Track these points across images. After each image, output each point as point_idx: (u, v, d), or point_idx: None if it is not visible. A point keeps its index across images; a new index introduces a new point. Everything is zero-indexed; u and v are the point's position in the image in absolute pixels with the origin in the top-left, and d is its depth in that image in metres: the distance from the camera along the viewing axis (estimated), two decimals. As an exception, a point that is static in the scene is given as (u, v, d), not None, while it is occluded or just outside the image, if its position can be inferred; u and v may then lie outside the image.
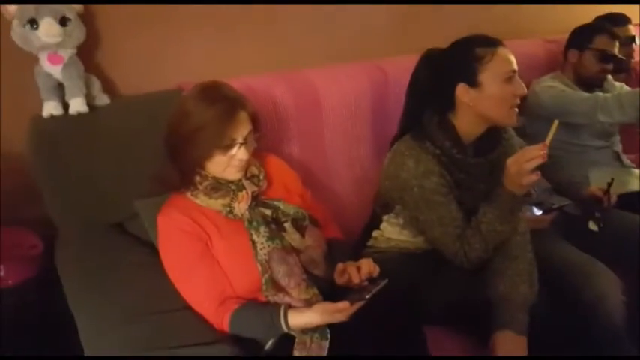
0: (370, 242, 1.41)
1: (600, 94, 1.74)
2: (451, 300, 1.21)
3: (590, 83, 1.89)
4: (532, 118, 1.94)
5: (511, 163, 1.11)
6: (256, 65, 1.64)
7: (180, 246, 1.06)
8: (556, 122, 1.10)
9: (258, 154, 1.20)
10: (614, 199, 1.57)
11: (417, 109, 1.29)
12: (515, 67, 1.20)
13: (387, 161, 1.30)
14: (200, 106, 1.05)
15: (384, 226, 1.37)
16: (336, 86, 1.62)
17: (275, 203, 1.16)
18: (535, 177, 1.08)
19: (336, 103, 1.61)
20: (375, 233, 1.39)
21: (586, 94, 1.78)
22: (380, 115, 1.68)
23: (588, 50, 1.87)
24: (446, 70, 1.24)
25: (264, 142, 1.37)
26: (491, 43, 1.20)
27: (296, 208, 1.17)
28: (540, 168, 1.77)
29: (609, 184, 1.55)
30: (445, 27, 1.99)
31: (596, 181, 1.80)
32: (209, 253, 1.06)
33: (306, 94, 1.57)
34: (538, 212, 1.49)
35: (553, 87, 1.87)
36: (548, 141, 1.09)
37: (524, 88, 1.20)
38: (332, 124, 1.61)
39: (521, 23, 2.28)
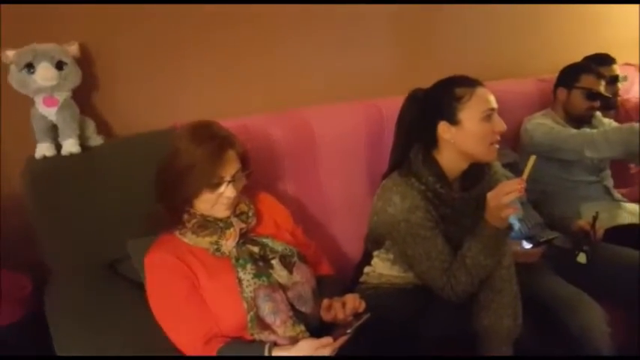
0: (362, 278, 1.41)
1: (588, 130, 1.77)
2: (441, 334, 1.22)
3: (580, 120, 1.94)
4: (524, 154, 1.97)
5: (490, 197, 1.14)
6: (253, 106, 1.67)
7: (166, 286, 1.06)
8: (533, 157, 1.13)
9: (249, 191, 1.22)
10: (600, 232, 1.59)
11: (404, 147, 1.33)
12: (494, 105, 1.25)
13: (375, 197, 1.32)
14: (189, 145, 1.07)
15: (375, 261, 1.37)
16: (332, 124, 1.66)
17: (263, 240, 1.16)
18: (512, 210, 1.10)
19: (331, 141, 1.64)
20: (366, 269, 1.39)
21: (574, 131, 1.81)
22: (375, 152, 1.71)
23: (576, 89, 1.92)
24: (428, 109, 1.29)
25: (259, 180, 1.40)
26: (470, 83, 1.26)
27: (285, 244, 1.18)
28: (534, 203, 1.83)
29: (594, 218, 1.58)
30: (443, 67, 2.07)
31: (588, 215, 1.82)
32: (195, 293, 1.06)
33: (302, 132, 1.60)
34: (528, 246, 1.50)
35: (543, 124, 1.91)
36: (525, 175, 1.11)
37: (503, 125, 1.24)
38: (327, 162, 1.64)
39: (515, 63, 2.34)
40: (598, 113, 2.00)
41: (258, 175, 1.40)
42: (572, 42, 2.48)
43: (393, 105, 1.71)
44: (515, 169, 1.83)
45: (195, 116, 1.23)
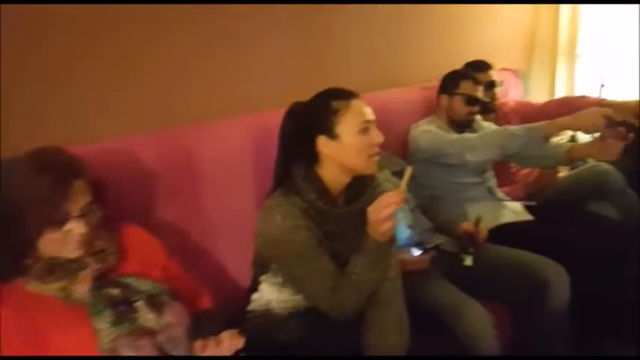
0: (251, 306, 1.31)
1: (468, 135, 1.84)
2: (335, 354, 1.19)
3: (461, 125, 2.02)
4: (413, 161, 2.01)
5: (370, 211, 1.11)
6: (120, 126, 1.49)
7: (4, 347, 0.89)
8: (409, 168, 1.12)
9: (110, 224, 1.08)
10: (484, 234, 1.63)
11: (286, 163, 1.28)
12: (370, 117, 1.23)
13: (259, 218, 1.25)
14: (26, 177, 0.92)
15: (262, 287, 1.29)
16: (213, 141, 1.55)
17: (126, 280, 1.03)
18: (391, 224, 1.07)
19: (213, 159, 1.53)
20: (254, 296, 1.31)
21: (455, 136, 1.87)
22: (264, 168, 1.59)
23: (456, 95, 2.00)
24: (307, 124, 1.24)
25: (127, 209, 1.27)
26: (345, 96, 1.23)
27: (153, 282, 1.06)
28: (423, 208, 1.86)
29: (477, 221, 1.62)
30: (332, 77, 2.03)
31: (474, 216, 1.88)
32: (39, 351, 0.90)
33: (180, 152, 1.48)
34: (417, 252, 1.50)
35: (428, 131, 1.96)
36: (403, 187, 1.09)
37: (381, 136, 1.22)
38: (211, 182, 1.53)
39: (401, 72, 2.39)
40: (478, 117, 2.10)
41: (126, 204, 1.28)
42: (455, 48, 2.60)
43: (280, 118, 1.67)
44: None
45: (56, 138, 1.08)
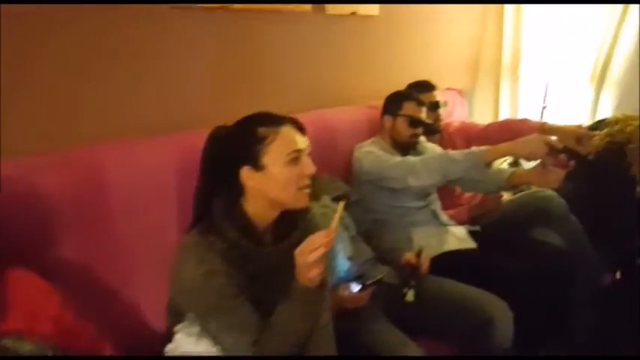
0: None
1: (410, 158, 1.76)
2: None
3: (405, 147, 1.96)
4: (357, 184, 1.93)
5: (297, 254, 0.99)
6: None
7: None
8: (341, 203, 1.03)
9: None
10: (426, 265, 1.57)
11: (207, 195, 1.13)
12: (301, 146, 1.10)
13: (173, 259, 1.09)
14: None
15: (177, 337, 1.13)
16: (129, 164, 1.38)
17: (3, 342, 0.86)
18: (320, 268, 0.96)
19: (129, 185, 1.35)
20: (168, 347, 1.14)
21: (398, 159, 1.79)
22: (188, 196, 1.46)
23: (400, 116, 1.95)
24: (230, 151, 1.10)
25: (20, 250, 1.10)
26: (274, 121, 1.09)
27: (37, 342, 0.88)
28: (366, 234, 1.77)
29: (419, 252, 1.56)
30: (269, 96, 1.93)
31: (418, 242, 1.82)
32: None
33: (87, 176, 1.29)
34: (356, 288, 1.39)
35: (371, 152, 1.88)
36: (334, 225, 0.99)
37: (313, 167, 1.10)
38: (124, 211, 1.34)
39: (345, 91, 2.30)
40: (423, 139, 2.04)
41: (18, 241, 1.12)
42: (400, 68, 2.55)
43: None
44: (347, 200, 1.76)
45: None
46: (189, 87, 1.68)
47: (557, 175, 1.54)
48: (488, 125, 2.29)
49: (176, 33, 1.60)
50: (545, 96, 2.97)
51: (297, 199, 1.10)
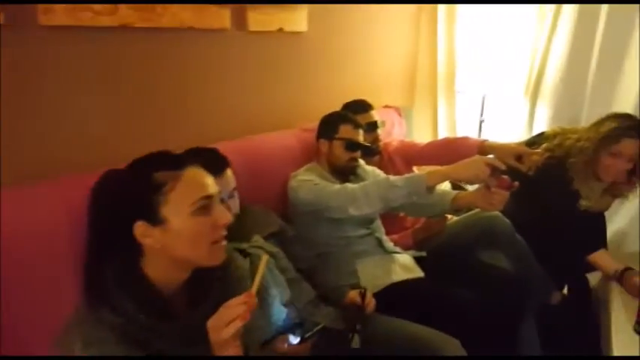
0: None
1: (350, 186, 1.63)
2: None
3: (344, 171, 1.86)
4: (294, 215, 1.79)
5: (210, 328, 0.83)
6: None
7: None
8: (265, 258, 0.88)
9: None
10: (371, 305, 1.46)
11: (98, 257, 0.92)
12: (211, 191, 0.93)
13: (56, 341, 0.88)
14: None
15: None
16: (16, 211, 1.15)
17: None
18: (237, 349, 0.79)
19: (17, 237, 1.13)
20: None
21: (337, 187, 1.66)
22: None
23: (336, 140, 1.85)
24: (119, 204, 0.90)
25: None
26: (174, 164, 0.91)
27: None
28: (308, 271, 1.61)
29: (364, 291, 1.44)
30: (183, 125, 1.73)
31: (364, 274, 1.71)
32: None
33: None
34: (295, 341, 1.22)
35: (308, 181, 1.75)
36: (254, 288, 0.83)
37: (228, 215, 0.93)
38: (11, 269, 1.11)
39: (276, 113, 2.14)
40: (362, 162, 1.93)
41: None
42: (334, 86, 2.43)
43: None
44: (283, 237, 1.61)
45: None
46: (78, 120, 1.42)
47: (502, 196, 1.46)
48: (428, 144, 2.22)
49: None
50: (483, 110, 2.96)
51: (210, 256, 0.92)
